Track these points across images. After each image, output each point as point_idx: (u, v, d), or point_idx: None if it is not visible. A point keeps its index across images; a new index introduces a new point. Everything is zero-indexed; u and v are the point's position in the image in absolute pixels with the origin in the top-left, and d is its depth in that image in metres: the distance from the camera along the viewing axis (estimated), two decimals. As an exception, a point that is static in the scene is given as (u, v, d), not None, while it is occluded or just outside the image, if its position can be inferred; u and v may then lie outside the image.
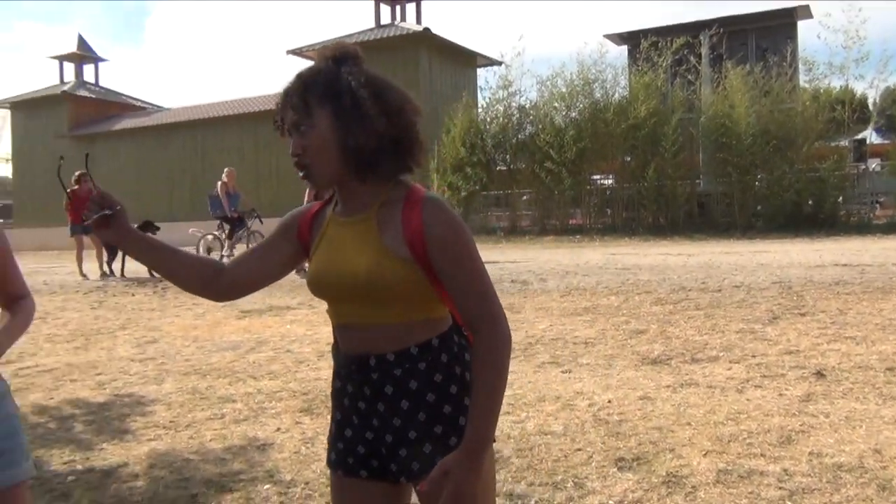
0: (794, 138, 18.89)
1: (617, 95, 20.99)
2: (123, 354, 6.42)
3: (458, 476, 1.47)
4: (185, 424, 4.36)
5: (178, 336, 7.13)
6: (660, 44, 20.52)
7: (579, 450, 3.62)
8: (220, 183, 14.00)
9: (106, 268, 12.59)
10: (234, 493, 3.32)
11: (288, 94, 1.58)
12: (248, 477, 3.50)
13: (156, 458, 3.81)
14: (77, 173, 11.65)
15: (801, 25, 24.20)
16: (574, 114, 20.87)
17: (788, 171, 18.58)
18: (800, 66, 20.45)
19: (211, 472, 3.58)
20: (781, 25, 23.43)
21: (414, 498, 1.65)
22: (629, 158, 20.55)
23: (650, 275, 9.45)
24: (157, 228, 11.08)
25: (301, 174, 1.61)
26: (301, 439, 3.99)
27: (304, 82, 1.57)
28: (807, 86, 20.24)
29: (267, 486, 3.38)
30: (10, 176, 33.63)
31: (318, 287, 1.65)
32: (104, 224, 1.69)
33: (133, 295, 10.04)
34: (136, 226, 1.85)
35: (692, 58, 20.92)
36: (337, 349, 1.69)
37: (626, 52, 24.66)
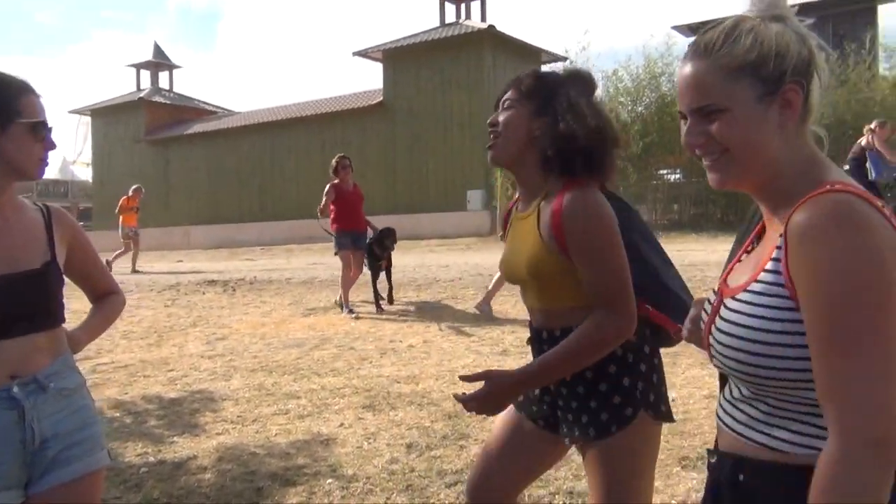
0: (872, 128, 18.12)
1: (685, 88, 20.55)
2: (194, 351, 6.62)
3: (493, 387, 1.70)
4: (251, 419, 4.47)
5: (246, 333, 7.31)
6: (729, 34, 19.97)
7: (642, 449, 3.56)
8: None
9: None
10: (297, 487, 3.39)
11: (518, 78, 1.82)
12: (311, 471, 3.57)
13: (223, 452, 3.92)
14: (336, 158, 8.71)
15: (882, 11, 23.16)
16: (640, 108, 20.50)
17: (867, 162, 17.80)
18: (880, 53, 19.57)
19: (276, 466, 3.66)
20: (861, 11, 22.48)
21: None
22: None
23: (718, 271, 9.19)
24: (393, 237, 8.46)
25: (488, 145, 1.82)
26: (363, 435, 4.04)
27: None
28: (887, 74, 19.36)
29: (329, 481, 3.44)
30: (90, 180, 35.07)
31: (505, 276, 1.92)
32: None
33: (204, 293, 10.34)
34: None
35: (764, 47, 20.27)
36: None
37: (694, 44, 24.04)
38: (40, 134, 1.76)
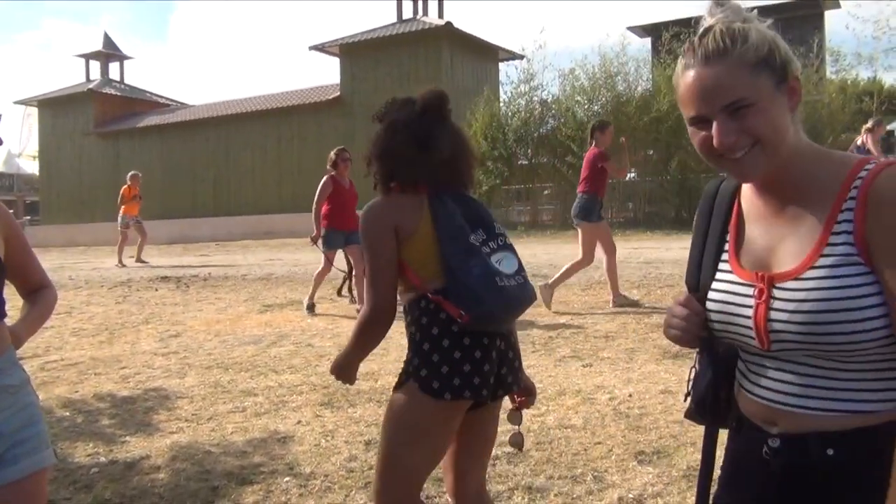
0: (819, 130, 18.57)
1: (640, 88, 20.76)
2: (147, 348, 6.49)
3: (333, 363, 2.25)
4: (207, 417, 4.40)
5: (200, 330, 7.19)
6: (683, 35, 20.29)
7: (599, 443, 3.60)
8: None
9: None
10: (254, 486, 3.35)
11: None
12: (268, 469, 3.52)
13: (178, 451, 3.84)
14: (336, 150, 8.10)
15: (829, 16, 23.82)
16: (596, 107, 20.70)
17: (815, 164, 18.30)
18: (827, 57, 20.12)
19: (232, 465, 3.60)
20: (808, 16, 23.05)
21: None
22: (651, 152, 20.35)
23: (672, 269, 9.37)
24: None
25: None
26: (321, 432, 4.01)
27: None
28: (833, 77, 19.93)
29: (287, 479, 3.40)
30: (37, 173, 34.12)
31: None
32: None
33: (156, 290, 10.14)
34: None
35: (716, 50, 20.66)
36: None
37: (649, 45, 24.44)
38: None
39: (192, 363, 5.80)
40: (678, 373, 4.78)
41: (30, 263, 1.95)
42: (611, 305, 7.23)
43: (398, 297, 2.10)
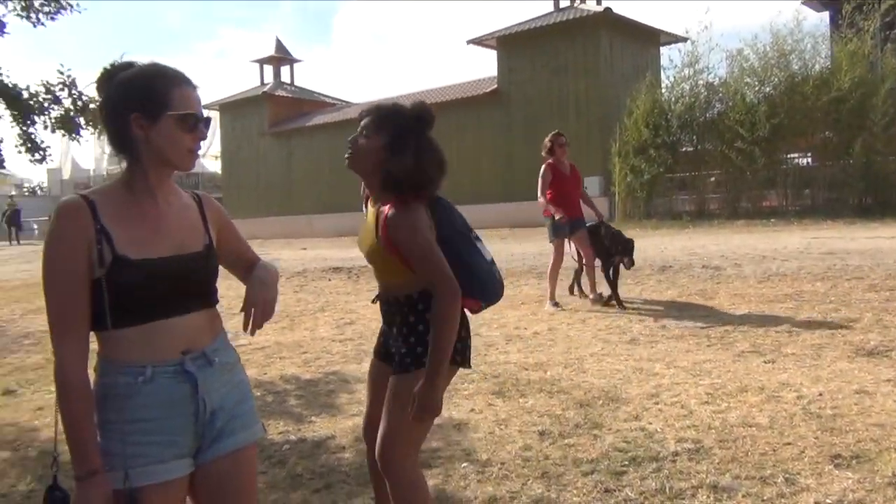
0: None
1: (817, 66, 19.32)
2: (325, 335, 6.85)
3: (420, 390, 2.24)
4: (384, 402, 4.58)
5: (373, 319, 7.48)
6: (866, 7, 18.65)
7: (789, 444, 3.40)
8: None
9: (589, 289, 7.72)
10: (433, 470, 3.45)
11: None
12: (446, 455, 3.62)
13: (360, 433, 4.02)
14: (551, 136, 7.77)
15: None
16: (768, 88, 19.49)
17: None
18: None
19: (411, 448, 3.73)
20: None
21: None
22: (831, 134, 18.90)
23: (860, 259, 8.67)
24: None
25: (346, 156, 2.40)
26: (494, 421, 4.07)
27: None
28: None
29: (465, 465, 3.48)
30: (219, 172, 36.86)
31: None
32: None
33: (329, 280, 10.68)
34: None
35: (906, 20, 18.84)
36: None
37: (827, 19, 22.66)
38: (189, 125, 1.80)
39: (366, 350, 6.06)
40: (874, 372, 4.42)
41: (243, 244, 2.12)
42: None
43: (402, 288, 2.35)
